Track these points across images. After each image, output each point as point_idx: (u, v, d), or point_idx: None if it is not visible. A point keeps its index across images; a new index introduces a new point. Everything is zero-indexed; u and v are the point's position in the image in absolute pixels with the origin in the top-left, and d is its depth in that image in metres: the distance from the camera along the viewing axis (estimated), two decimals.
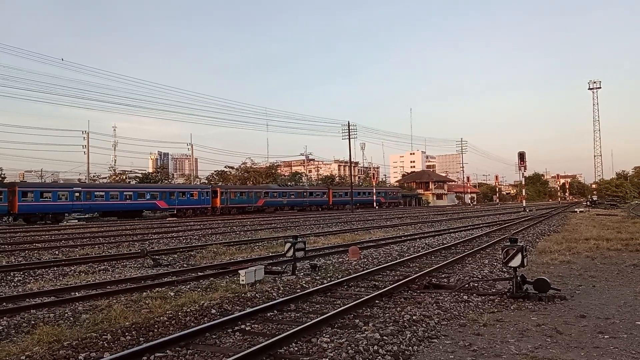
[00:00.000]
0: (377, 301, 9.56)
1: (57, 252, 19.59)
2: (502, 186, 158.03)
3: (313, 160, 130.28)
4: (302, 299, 9.84)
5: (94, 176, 76.02)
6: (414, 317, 8.14)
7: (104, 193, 50.57)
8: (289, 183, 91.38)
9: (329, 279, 12.29)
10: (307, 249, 14.27)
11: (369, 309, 9.01)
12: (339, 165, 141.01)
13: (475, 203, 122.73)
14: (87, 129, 74.63)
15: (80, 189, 48.92)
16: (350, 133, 71.81)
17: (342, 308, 8.69)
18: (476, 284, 11.30)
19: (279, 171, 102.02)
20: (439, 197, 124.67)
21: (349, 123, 71.87)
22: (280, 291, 10.78)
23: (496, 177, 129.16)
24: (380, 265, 14.40)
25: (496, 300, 9.77)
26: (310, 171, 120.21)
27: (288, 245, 13.12)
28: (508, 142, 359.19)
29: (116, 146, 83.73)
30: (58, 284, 12.27)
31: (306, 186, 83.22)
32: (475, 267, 14.04)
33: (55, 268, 14.97)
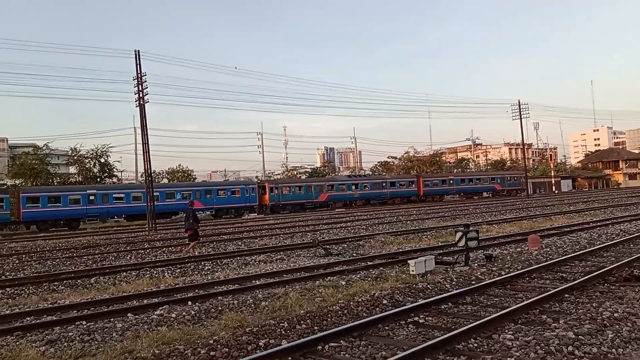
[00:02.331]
0: (566, 295, 8.50)
1: (240, 243, 21.33)
2: None
3: (480, 144, 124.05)
4: (478, 291, 9.17)
5: (268, 173, 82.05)
6: (616, 315, 7.00)
7: (123, 195, 44.89)
8: (455, 170, 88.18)
9: (506, 270, 11.34)
10: (480, 238, 13.43)
11: (557, 304, 8.03)
12: (510, 149, 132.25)
13: None
14: (260, 130, 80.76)
15: (95, 191, 43.92)
16: (522, 112, 66.53)
17: (526, 302, 7.88)
18: None
19: (444, 158, 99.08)
20: (632, 177, 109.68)
21: (519, 102, 66.66)
22: (454, 282, 10.21)
23: None
24: (566, 255, 12.92)
25: None
26: (477, 156, 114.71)
27: (459, 234, 12.43)
28: None
29: (287, 144, 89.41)
30: (241, 272, 13.22)
31: (386, 175, 70.37)
32: None
33: (238, 257, 16.25)
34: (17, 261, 18.13)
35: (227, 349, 6.44)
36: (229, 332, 7.19)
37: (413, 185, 62.99)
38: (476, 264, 12.29)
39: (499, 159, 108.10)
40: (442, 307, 8.23)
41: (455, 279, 10.47)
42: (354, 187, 58.26)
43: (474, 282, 10.10)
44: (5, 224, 40.29)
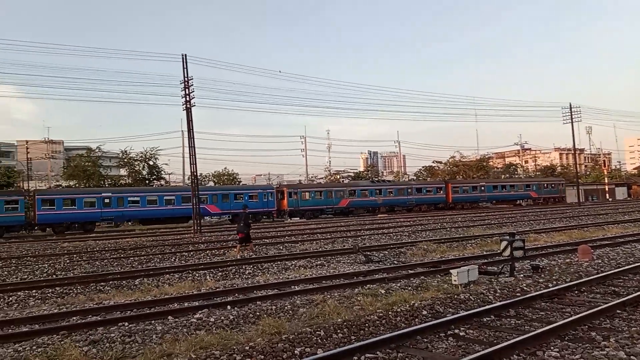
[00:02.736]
0: (618, 311, 8.06)
1: (281, 247, 21.42)
2: None
3: (529, 149, 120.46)
4: (523, 304, 8.82)
5: (311, 177, 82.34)
6: None
7: (139, 198, 44.40)
8: (503, 175, 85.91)
9: (554, 282, 10.89)
10: (526, 247, 12.97)
11: (608, 320, 7.62)
12: (560, 154, 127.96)
13: None
14: (304, 134, 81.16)
15: (110, 194, 43.86)
16: (573, 116, 64.18)
17: (574, 317, 7.51)
18: None
19: (491, 163, 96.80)
20: None
21: (570, 105, 64.38)
22: (497, 294, 9.87)
23: None
24: (619, 267, 12.31)
25: None
26: (526, 162, 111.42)
27: (504, 243, 12.03)
28: None
29: (330, 148, 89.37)
30: (281, 277, 13.26)
31: (412, 182, 68.36)
32: None
33: (279, 262, 16.30)
34: (67, 261, 18.82)
35: (262, 356, 6.43)
36: (266, 338, 7.18)
37: (441, 192, 60.24)
38: (522, 275, 11.87)
39: (548, 164, 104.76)
40: (484, 319, 7.96)
41: (499, 290, 10.13)
42: (376, 193, 56.12)
43: (518, 294, 9.74)
44: (20, 226, 40.54)
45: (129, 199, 44.06)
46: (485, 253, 16.18)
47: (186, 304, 10.06)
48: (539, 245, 17.77)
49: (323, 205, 52.67)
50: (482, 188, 63.21)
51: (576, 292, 9.82)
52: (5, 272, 16.01)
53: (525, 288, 10.37)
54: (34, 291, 12.27)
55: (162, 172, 63.17)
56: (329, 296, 10.13)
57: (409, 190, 58.56)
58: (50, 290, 12.42)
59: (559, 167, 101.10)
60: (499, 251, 12.96)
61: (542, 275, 11.71)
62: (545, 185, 69.04)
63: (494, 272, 12.04)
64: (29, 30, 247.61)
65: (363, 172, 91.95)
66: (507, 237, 12.17)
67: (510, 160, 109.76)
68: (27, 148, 68.24)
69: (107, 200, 42.88)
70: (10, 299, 11.49)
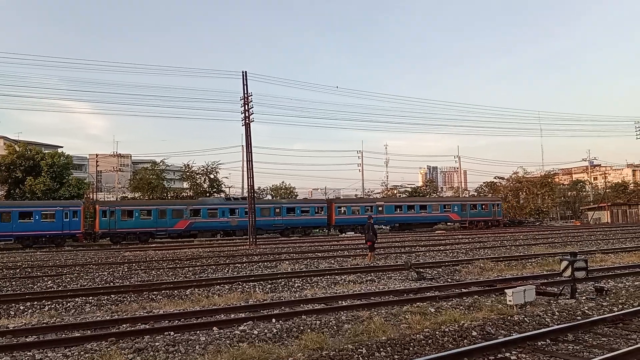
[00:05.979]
0: None
1: (332, 261, 21.27)
2: None
3: (599, 165, 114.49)
4: (583, 328, 8.24)
5: (368, 192, 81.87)
6: None
7: None
8: (570, 192, 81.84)
9: (620, 306, 10.14)
10: (591, 268, 12.23)
11: None
12: (634, 170, 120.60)
13: None
14: (361, 149, 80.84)
15: None
16: None
17: None
18: None
19: (557, 180, 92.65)
20: None
21: None
22: (555, 317, 9.28)
23: None
24: None
25: None
26: (595, 178, 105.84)
27: (565, 263, 11.34)
28: None
29: (388, 163, 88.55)
30: (328, 292, 13.12)
31: (282, 200, 57.80)
32: None
33: (328, 276, 16.14)
34: (126, 269, 19.49)
35: None
36: (306, 353, 7.05)
37: (322, 212, 50.58)
38: (584, 297, 11.16)
39: (620, 181, 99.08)
40: (539, 343, 7.49)
41: (557, 313, 9.52)
42: (230, 213, 46.55)
43: (579, 318, 9.13)
44: None
45: None
46: (545, 273, 15.37)
47: (232, 316, 10.11)
48: (606, 266, 16.70)
49: (151, 228, 42.96)
50: (380, 208, 52.84)
51: None
52: (68, 279, 16.76)
53: (586, 311, 9.70)
54: (91, 298, 12.73)
55: (222, 185, 64.73)
56: (375, 313, 9.89)
57: (277, 210, 49.11)
58: (106, 297, 12.83)
59: (632, 184, 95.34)
60: (559, 271, 12.26)
61: (607, 298, 10.96)
62: (473, 206, 57.81)
63: (553, 293, 11.39)
64: (101, 51, 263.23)
65: (421, 187, 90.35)
66: (568, 257, 11.48)
67: (578, 177, 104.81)
68: (97, 161, 71.94)
69: None
70: (69, 304, 11.98)
